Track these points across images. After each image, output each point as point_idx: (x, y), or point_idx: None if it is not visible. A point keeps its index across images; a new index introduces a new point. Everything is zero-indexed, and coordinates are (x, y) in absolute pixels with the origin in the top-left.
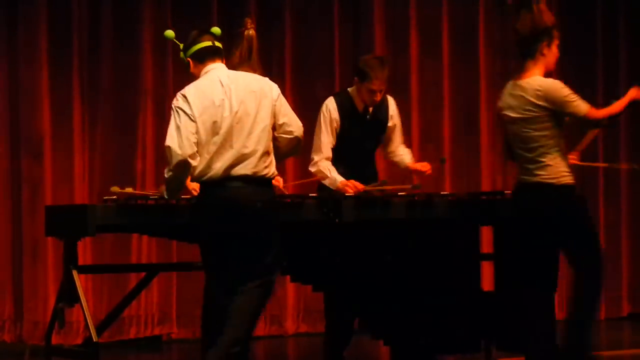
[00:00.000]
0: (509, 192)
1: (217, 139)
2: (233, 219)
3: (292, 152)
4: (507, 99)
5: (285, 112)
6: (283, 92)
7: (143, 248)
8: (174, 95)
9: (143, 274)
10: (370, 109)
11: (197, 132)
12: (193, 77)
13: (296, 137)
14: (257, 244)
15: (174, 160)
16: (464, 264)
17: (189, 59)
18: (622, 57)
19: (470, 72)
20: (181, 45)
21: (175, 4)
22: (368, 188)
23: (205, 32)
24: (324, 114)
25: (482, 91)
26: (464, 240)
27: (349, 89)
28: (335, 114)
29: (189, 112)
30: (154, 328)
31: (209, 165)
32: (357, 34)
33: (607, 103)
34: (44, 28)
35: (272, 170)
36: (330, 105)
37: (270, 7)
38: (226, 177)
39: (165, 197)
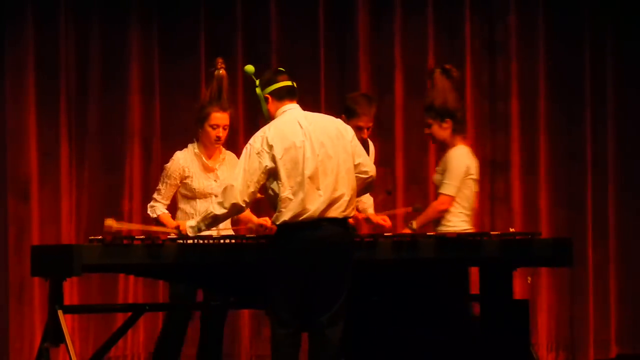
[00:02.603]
0: (496, 232)
1: (302, 180)
2: (326, 256)
3: (366, 191)
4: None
5: (360, 152)
6: None
7: (130, 288)
8: (161, 136)
9: (129, 313)
10: None
11: (265, 178)
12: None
13: (371, 177)
14: (339, 279)
15: (232, 201)
16: (451, 305)
17: (267, 95)
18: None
19: None
20: (257, 82)
21: (163, 45)
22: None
23: (283, 72)
24: None
25: (469, 132)
26: (451, 281)
27: None
28: None
29: (265, 158)
30: None
31: (303, 208)
32: (342, 75)
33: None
34: (31, 68)
35: (354, 210)
36: None
37: (257, 49)
38: (321, 219)
39: (192, 233)
